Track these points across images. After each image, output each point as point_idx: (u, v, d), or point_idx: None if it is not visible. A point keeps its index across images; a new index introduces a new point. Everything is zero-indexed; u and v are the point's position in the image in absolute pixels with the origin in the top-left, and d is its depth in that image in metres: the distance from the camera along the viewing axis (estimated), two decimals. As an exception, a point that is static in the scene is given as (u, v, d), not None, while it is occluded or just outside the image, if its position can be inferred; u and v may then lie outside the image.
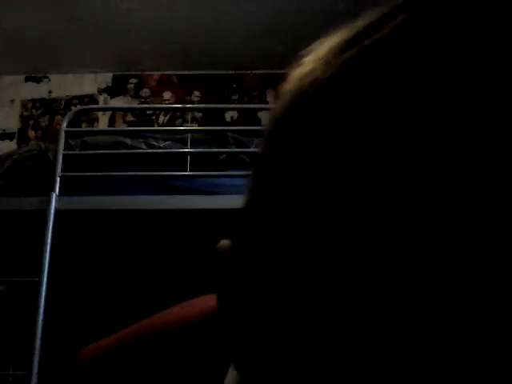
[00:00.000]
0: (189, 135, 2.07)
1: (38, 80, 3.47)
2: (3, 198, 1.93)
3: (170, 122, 3.36)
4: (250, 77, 3.41)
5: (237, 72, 3.39)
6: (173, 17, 2.92)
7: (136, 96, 3.46)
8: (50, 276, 1.80)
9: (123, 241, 2.07)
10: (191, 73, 3.42)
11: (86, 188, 1.97)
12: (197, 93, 3.43)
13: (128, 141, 2.05)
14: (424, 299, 0.19)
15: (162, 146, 2.07)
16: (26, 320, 1.78)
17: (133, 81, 3.48)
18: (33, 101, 3.44)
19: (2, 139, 3.36)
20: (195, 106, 3.36)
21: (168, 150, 2.04)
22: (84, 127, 3.32)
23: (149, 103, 3.44)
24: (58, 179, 1.92)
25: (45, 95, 3.45)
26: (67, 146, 2.00)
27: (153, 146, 2.06)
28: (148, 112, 3.42)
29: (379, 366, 0.20)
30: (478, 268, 0.17)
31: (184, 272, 2.10)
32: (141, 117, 3.40)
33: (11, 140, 3.36)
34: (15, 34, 2.98)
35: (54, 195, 1.88)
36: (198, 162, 1.94)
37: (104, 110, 3.59)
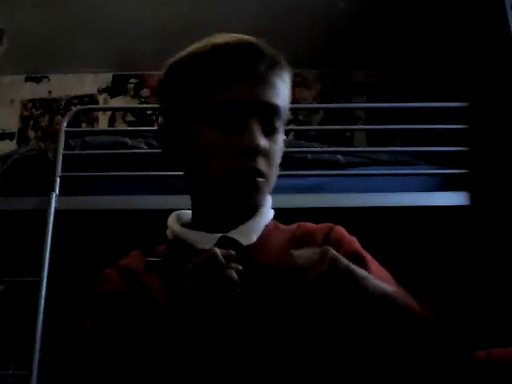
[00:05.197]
0: (189, 135, 2.06)
1: (37, 80, 3.46)
2: (3, 197, 1.93)
3: (170, 122, 3.36)
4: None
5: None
6: (173, 17, 2.91)
7: (136, 96, 3.46)
8: (50, 276, 1.80)
9: (123, 241, 2.07)
10: (191, 73, 3.41)
11: (85, 188, 1.97)
12: (197, 93, 3.42)
13: (128, 141, 2.05)
14: None
15: (162, 145, 2.07)
16: (26, 320, 1.78)
17: (133, 81, 3.48)
18: (33, 101, 3.44)
19: (2, 139, 3.35)
20: (195, 105, 3.36)
21: (168, 150, 2.04)
22: (84, 127, 3.31)
23: (149, 103, 3.44)
24: (58, 179, 1.92)
25: (45, 95, 3.44)
26: (67, 146, 2.00)
27: (153, 146, 2.06)
28: (148, 112, 3.42)
29: None
30: None
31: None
32: (141, 117, 3.40)
33: (11, 140, 3.36)
34: (15, 34, 2.98)
35: (54, 195, 1.88)
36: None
37: (104, 109, 3.58)
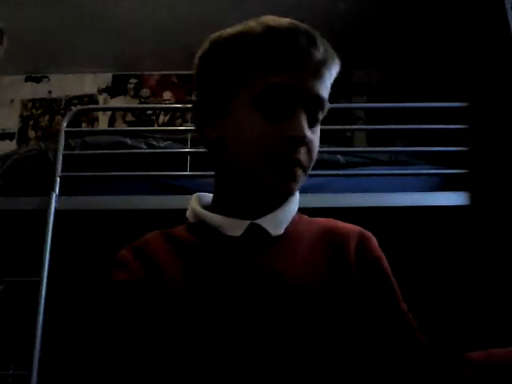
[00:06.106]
0: (189, 135, 2.06)
1: (37, 80, 3.47)
2: (3, 197, 1.93)
3: (170, 122, 3.36)
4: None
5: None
6: (173, 17, 2.91)
7: (136, 96, 3.46)
8: (50, 276, 1.80)
9: (123, 241, 2.07)
10: (191, 73, 3.40)
11: (85, 188, 1.97)
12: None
13: (128, 141, 2.05)
14: None
15: (161, 146, 2.07)
16: (26, 320, 1.78)
17: (133, 81, 3.48)
18: (33, 101, 3.44)
19: (2, 139, 3.35)
20: (195, 105, 3.36)
21: (168, 150, 2.04)
22: (84, 127, 3.32)
23: (149, 103, 3.44)
24: (58, 179, 1.92)
25: (45, 95, 3.45)
26: (67, 146, 2.00)
27: (153, 146, 2.06)
28: (148, 112, 3.42)
29: None
30: None
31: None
32: (141, 117, 3.40)
33: (11, 140, 3.36)
34: (15, 34, 2.98)
35: (54, 195, 1.88)
36: (198, 161, 1.94)
37: (104, 109, 3.59)
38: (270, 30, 0.75)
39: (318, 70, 0.74)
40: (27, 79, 3.47)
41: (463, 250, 2.05)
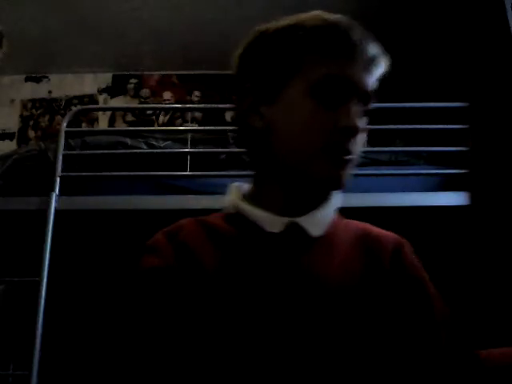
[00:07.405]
0: (189, 135, 2.06)
1: (37, 80, 3.47)
2: (3, 197, 1.93)
3: (170, 122, 3.36)
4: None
5: (237, 72, 3.39)
6: (173, 17, 2.92)
7: (136, 96, 3.46)
8: (50, 276, 1.80)
9: (123, 241, 2.07)
10: (191, 73, 3.41)
11: (85, 188, 1.97)
12: (197, 93, 3.43)
13: (128, 141, 2.05)
14: None
15: (162, 145, 2.07)
16: (26, 320, 1.78)
17: (133, 81, 3.48)
18: (33, 101, 3.44)
19: (2, 139, 3.36)
20: (195, 105, 3.36)
21: (168, 150, 2.04)
22: (84, 127, 3.32)
23: (149, 103, 3.44)
24: (58, 179, 1.92)
25: (45, 95, 3.45)
26: (67, 146, 2.00)
27: (153, 146, 2.06)
28: (148, 112, 3.42)
29: None
30: None
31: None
32: (141, 117, 3.40)
33: (11, 140, 3.36)
34: (15, 34, 2.98)
35: (54, 195, 1.88)
36: (198, 161, 1.94)
37: (104, 109, 3.59)
38: (326, 21, 0.76)
39: (369, 65, 0.75)
40: (27, 79, 3.47)
41: (463, 250, 2.05)
